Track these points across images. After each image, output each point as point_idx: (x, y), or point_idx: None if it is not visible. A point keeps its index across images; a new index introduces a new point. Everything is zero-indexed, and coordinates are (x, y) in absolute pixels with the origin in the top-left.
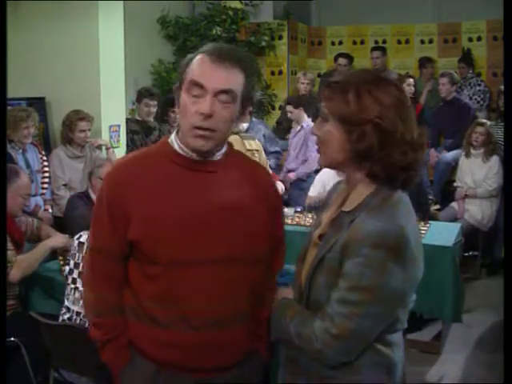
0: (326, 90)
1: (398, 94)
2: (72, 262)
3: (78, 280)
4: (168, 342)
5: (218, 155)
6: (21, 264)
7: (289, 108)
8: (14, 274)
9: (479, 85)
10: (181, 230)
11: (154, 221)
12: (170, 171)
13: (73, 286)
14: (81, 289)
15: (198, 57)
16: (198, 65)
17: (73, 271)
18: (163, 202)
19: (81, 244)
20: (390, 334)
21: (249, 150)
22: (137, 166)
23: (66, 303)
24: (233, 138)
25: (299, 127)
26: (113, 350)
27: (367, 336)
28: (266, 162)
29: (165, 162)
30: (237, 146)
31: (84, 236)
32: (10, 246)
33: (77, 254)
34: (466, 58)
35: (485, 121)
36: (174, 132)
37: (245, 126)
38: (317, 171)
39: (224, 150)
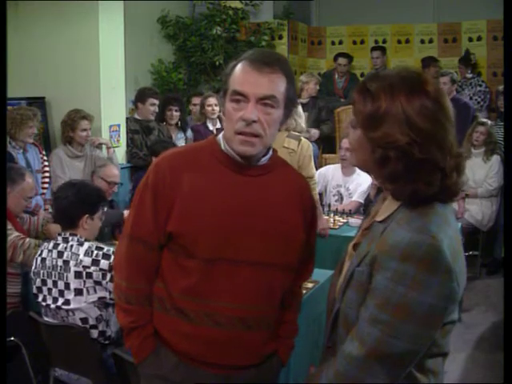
0: (357, 97)
1: (447, 120)
2: (38, 280)
3: (48, 297)
4: (192, 335)
5: (264, 160)
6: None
7: None
8: None
9: (480, 85)
10: (222, 228)
11: (197, 215)
12: (215, 169)
13: (44, 303)
14: (53, 306)
15: (240, 65)
16: (240, 73)
17: (41, 289)
18: (207, 198)
19: (43, 260)
20: (426, 360)
21: (285, 147)
22: (185, 158)
23: (46, 318)
24: (280, 133)
25: None
26: (138, 338)
27: (405, 359)
28: (309, 166)
29: (211, 159)
30: (275, 141)
31: (45, 251)
32: (20, 234)
33: (41, 271)
34: (465, 59)
35: (486, 120)
36: (222, 132)
37: (296, 122)
38: None
39: (269, 155)
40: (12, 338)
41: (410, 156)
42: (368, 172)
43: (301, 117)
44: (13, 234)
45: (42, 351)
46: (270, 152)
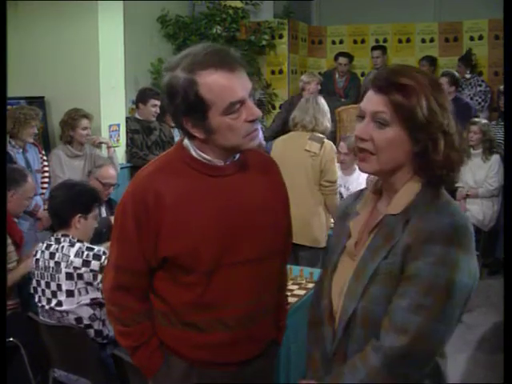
0: (395, 94)
1: (449, 100)
2: (34, 281)
3: (43, 298)
4: (202, 344)
5: (237, 155)
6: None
7: None
8: None
9: (480, 85)
10: (217, 236)
11: (190, 234)
12: (194, 179)
13: (39, 304)
14: (47, 307)
15: (209, 76)
16: (223, 82)
17: (36, 289)
18: (194, 212)
19: (37, 261)
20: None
21: (307, 150)
22: (160, 176)
23: (43, 318)
24: (303, 135)
25: None
26: (145, 354)
27: (442, 343)
28: (332, 171)
29: (187, 169)
30: (296, 143)
31: (39, 252)
32: (11, 247)
33: (35, 272)
34: (465, 58)
35: (478, 119)
36: (186, 139)
37: (328, 126)
38: None
39: None
40: (11, 339)
41: (448, 137)
42: (385, 175)
43: (324, 115)
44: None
45: (41, 352)
46: None
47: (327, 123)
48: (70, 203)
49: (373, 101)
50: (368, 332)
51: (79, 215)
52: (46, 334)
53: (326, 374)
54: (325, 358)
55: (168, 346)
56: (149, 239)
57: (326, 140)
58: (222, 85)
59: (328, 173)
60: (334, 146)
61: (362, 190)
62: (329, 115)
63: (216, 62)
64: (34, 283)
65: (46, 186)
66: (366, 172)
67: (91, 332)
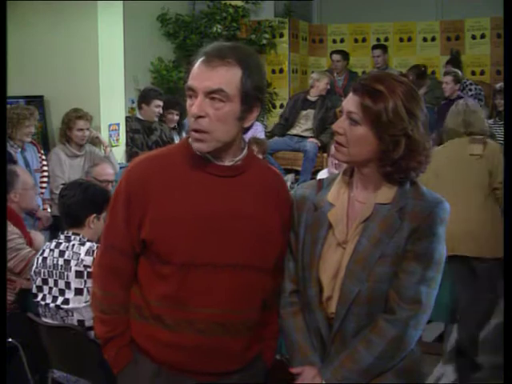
0: (366, 97)
1: (424, 109)
2: (39, 279)
3: (48, 296)
4: (172, 344)
5: (238, 160)
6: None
7: None
8: None
9: (470, 89)
10: (196, 232)
11: (169, 221)
12: (188, 173)
13: (43, 302)
14: (52, 305)
15: (197, 60)
16: (194, 68)
17: (42, 288)
18: (180, 203)
19: (44, 259)
20: None
21: (471, 155)
22: (156, 163)
23: (45, 319)
24: (462, 141)
25: None
26: (114, 348)
27: (432, 306)
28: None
29: (183, 162)
30: (457, 149)
31: (47, 251)
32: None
33: (42, 271)
34: (454, 61)
35: None
36: None
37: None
38: None
39: (243, 154)
40: (10, 339)
41: (412, 140)
42: (357, 165)
43: (477, 117)
44: (26, 249)
45: (40, 352)
46: (245, 151)
47: (482, 124)
48: (86, 203)
49: (349, 101)
50: (371, 308)
51: (94, 215)
52: (45, 335)
53: (324, 357)
54: (316, 342)
55: (139, 344)
56: (134, 219)
57: (488, 140)
58: (193, 69)
59: (499, 174)
60: (500, 146)
61: (319, 181)
62: (483, 115)
63: (206, 50)
64: (39, 282)
65: (44, 185)
66: (338, 160)
67: (92, 334)
